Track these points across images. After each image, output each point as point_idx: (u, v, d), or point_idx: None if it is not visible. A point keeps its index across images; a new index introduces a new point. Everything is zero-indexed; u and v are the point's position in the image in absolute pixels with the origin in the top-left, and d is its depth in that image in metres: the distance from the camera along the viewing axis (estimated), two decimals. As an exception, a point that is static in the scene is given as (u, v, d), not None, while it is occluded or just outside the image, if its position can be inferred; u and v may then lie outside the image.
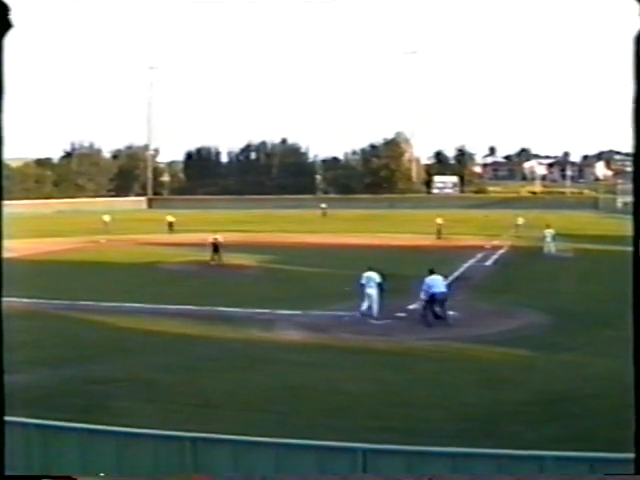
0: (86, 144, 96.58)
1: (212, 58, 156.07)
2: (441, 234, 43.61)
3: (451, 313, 17.77)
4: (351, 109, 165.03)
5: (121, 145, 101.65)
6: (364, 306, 18.14)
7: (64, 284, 24.33)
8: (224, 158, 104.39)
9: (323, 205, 70.61)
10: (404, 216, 62.40)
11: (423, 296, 17.79)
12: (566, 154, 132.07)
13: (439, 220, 45.11)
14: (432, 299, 17.49)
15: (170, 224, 49.28)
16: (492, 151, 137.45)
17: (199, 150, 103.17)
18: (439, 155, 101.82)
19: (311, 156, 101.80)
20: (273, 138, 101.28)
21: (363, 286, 18.25)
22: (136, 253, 34.53)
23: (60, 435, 7.18)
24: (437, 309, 17.54)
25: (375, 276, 18.35)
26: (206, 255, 31.71)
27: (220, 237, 32.22)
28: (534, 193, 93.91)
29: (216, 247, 31.31)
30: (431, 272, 18.12)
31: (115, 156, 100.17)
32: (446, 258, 25.71)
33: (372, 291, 18.16)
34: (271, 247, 36.93)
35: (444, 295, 17.54)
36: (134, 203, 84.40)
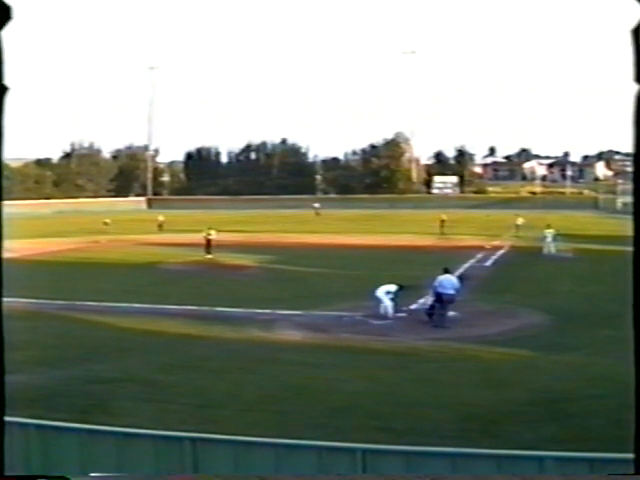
0: (86, 144, 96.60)
1: (212, 58, 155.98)
2: (444, 230, 44.41)
3: (451, 313, 17.78)
4: (351, 109, 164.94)
5: (121, 145, 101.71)
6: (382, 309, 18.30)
7: (64, 284, 24.34)
8: (224, 158, 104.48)
9: (316, 205, 70.32)
10: (404, 216, 62.41)
11: (431, 295, 17.92)
12: (566, 154, 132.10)
13: (444, 216, 45.62)
14: (439, 299, 17.51)
15: (160, 224, 50.13)
16: (492, 151, 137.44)
17: (199, 150, 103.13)
18: (439, 155, 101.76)
19: (311, 156, 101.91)
20: (273, 138, 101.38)
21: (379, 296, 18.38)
22: (136, 253, 34.54)
23: (60, 435, 7.18)
24: (439, 310, 17.51)
25: (392, 288, 18.40)
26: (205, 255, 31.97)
27: (214, 233, 33.58)
28: (534, 193, 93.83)
29: (208, 243, 32.85)
30: (445, 271, 18.14)
31: (115, 156, 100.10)
32: (446, 258, 25.65)
33: (381, 294, 18.26)
34: (271, 247, 36.93)
35: (450, 297, 17.49)
36: (134, 203, 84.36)
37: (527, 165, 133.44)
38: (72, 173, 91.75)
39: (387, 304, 18.21)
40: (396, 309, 18.36)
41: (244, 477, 6.62)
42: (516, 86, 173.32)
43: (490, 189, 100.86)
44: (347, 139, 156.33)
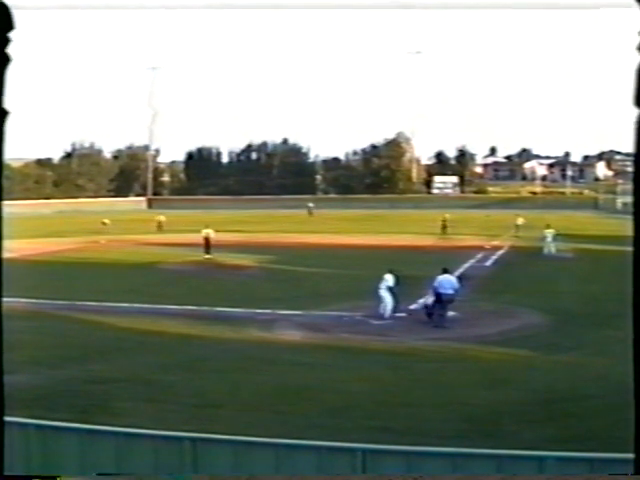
0: (87, 144, 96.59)
1: (213, 58, 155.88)
2: (447, 229, 44.45)
3: (451, 313, 17.80)
4: (353, 109, 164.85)
5: (122, 145, 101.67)
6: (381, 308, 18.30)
7: (64, 284, 24.34)
8: (225, 158, 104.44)
9: (310, 204, 70.28)
10: (404, 216, 62.42)
11: (431, 295, 17.99)
12: (567, 154, 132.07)
13: (447, 215, 45.79)
14: (438, 299, 17.55)
15: (159, 224, 50.06)
16: (493, 151, 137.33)
17: (200, 150, 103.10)
18: (440, 155, 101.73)
19: (312, 156, 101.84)
20: (274, 138, 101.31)
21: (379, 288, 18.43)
22: (136, 253, 34.53)
23: (59, 435, 7.18)
24: (439, 310, 17.55)
25: (389, 278, 18.42)
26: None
27: (211, 232, 33.51)
28: (534, 193, 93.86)
29: (207, 243, 32.81)
30: (444, 271, 18.16)
31: (116, 156, 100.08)
32: (446, 258, 25.66)
33: (384, 293, 18.25)
34: (271, 247, 36.93)
35: (449, 297, 17.53)
36: (134, 203, 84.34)
37: (527, 165, 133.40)
38: (73, 173, 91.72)
39: (387, 302, 18.19)
40: (396, 309, 18.37)
41: (244, 477, 6.62)
42: (518, 86, 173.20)
43: (490, 189, 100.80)
44: (348, 139, 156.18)
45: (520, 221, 45.10)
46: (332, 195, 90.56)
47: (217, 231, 35.11)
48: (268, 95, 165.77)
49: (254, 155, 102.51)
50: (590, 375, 12.84)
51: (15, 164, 77.03)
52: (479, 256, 32.62)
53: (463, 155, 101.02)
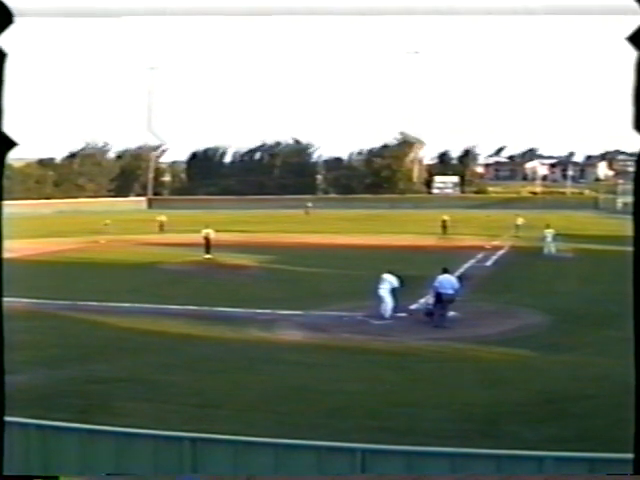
0: (88, 144, 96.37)
1: (215, 58, 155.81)
2: (447, 229, 44.50)
3: (452, 313, 17.80)
4: (354, 109, 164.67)
5: (123, 146, 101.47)
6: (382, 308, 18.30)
7: (64, 284, 24.35)
8: (226, 158, 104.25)
9: (309, 204, 70.54)
10: (405, 216, 62.42)
11: (431, 295, 18.03)
12: (569, 154, 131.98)
13: (445, 217, 45.81)
14: (438, 299, 17.56)
15: (161, 224, 49.93)
16: (499, 151, 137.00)
17: (201, 150, 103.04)
18: (442, 155, 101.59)
19: (314, 156, 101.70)
20: (276, 138, 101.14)
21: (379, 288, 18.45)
22: (136, 253, 34.55)
23: (60, 435, 7.19)
24: (439, 310, 17.56)
25: (390, 279, 18.42)
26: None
27: (211, 232, 33.51)
28: (535, 193, 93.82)
29: (207, 243, 32.84)
30: (444, 271, 18.17)
31: (119, 156, 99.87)
32: (446, 258, 25.66)
33: (384, 293, 18.26)
34: (271, 247, 36.94)
35: (449, 297, 17.54)
36: (134, 203, 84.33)
37: (529, 165, 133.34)
38: (74, 173, 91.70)
39: (388, 302, 18.20)
40: (396, 309, 18.37)
41: (244, 477, 6.62)
42: (520, 86, 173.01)
43: (490, 189, 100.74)
44: (348, 139, 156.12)
45: (520, 221, 45.10)
46: (332, 195, 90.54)
47: (217, 231, 35.14)
48: (270, 96, 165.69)
49: (255, 155, 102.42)
50: (590, 375, 12.84)
51: (16, 164, 77.02)
52: (479, 256, 32.61)
53: (464, 155, 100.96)
